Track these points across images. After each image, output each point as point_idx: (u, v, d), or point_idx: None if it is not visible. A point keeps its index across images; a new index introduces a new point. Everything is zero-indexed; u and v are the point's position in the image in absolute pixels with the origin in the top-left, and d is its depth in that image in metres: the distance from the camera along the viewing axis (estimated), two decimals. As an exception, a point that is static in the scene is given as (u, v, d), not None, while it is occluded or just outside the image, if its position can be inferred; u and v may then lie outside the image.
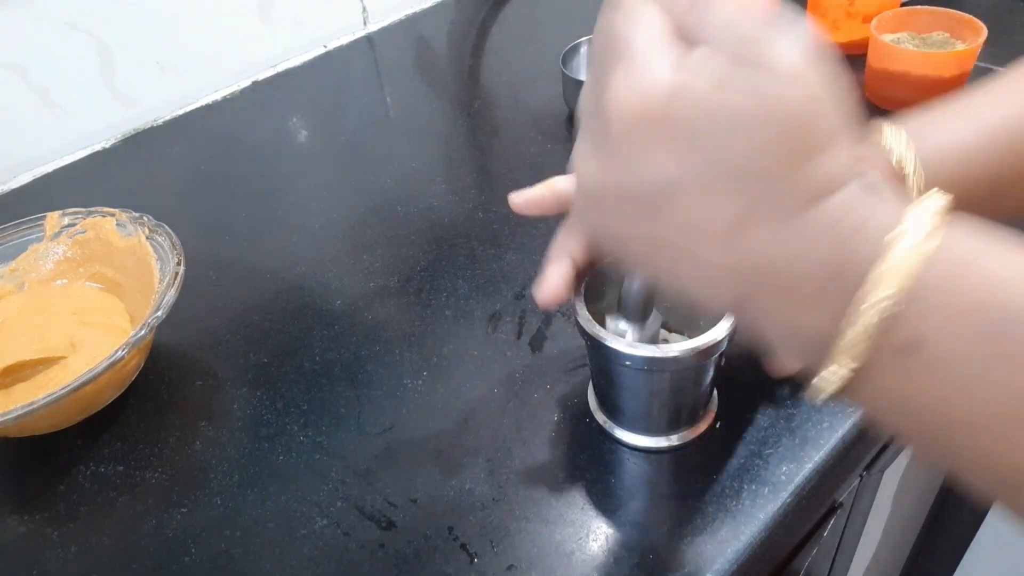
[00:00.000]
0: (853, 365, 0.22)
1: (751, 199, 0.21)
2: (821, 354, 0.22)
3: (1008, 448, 0.20)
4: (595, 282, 0.40)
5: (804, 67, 0.21)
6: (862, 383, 0.22)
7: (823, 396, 0.23)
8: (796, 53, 0.21)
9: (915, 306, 0.20)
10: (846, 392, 0.23)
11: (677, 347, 0.36)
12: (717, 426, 0.43)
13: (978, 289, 0.20)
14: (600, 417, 0.43)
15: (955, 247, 0.21)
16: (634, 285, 0.36)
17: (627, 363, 0.37)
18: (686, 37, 0.22)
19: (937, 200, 0.21)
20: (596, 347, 0.38)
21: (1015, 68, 0.38)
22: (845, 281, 0.21)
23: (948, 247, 0.21)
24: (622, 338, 0.37)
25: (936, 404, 0.21)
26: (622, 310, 0.37)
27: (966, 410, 0.21)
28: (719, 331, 0.36)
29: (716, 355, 0.37)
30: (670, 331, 0.45)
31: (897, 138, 0.35)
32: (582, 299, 0.39)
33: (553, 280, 0.34)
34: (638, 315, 0.37)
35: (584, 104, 0.25)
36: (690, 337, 0.39)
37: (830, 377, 0.22)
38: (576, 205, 0.26)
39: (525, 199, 0.36)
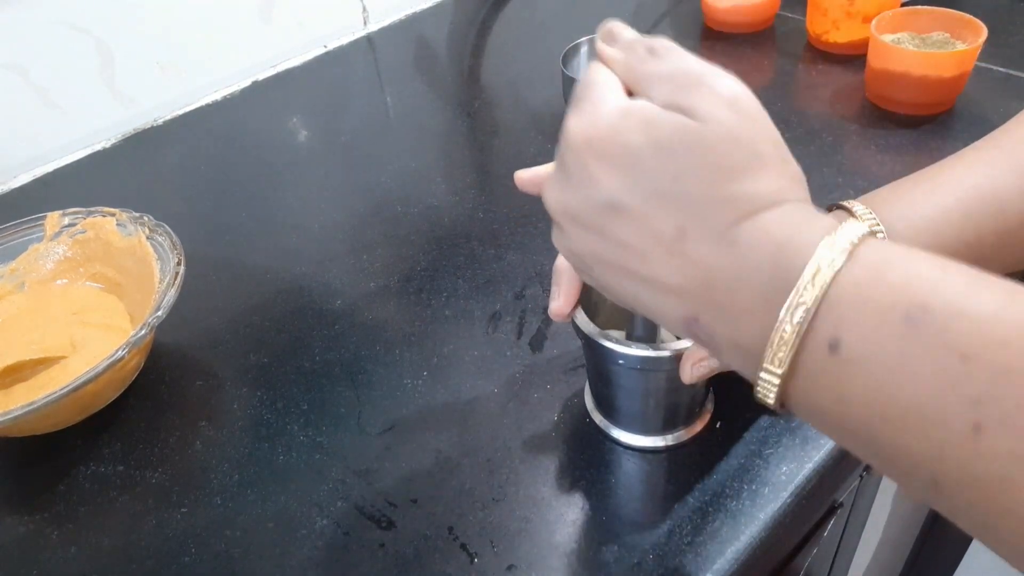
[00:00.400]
0: (780, 371, 0.23)
1: (684, 217, 0.25)
2: (757, 365, 0.24)
3: (926, 443, 0.21)
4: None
5: (722, 108, 0.25)
6: (793, 389, 0.24)
7: (767, 404, 0.25)
8: (715, 99, 0.25)
9: (832, 309, 0.22)
10: (783, 400, 0.25)
11: (672, 347, 0.36)
12: (717, 425, 0.43)
13: (892, 289, 0.22)
14: (597, 417, 0.43)
15: (872, 254, 0.23)
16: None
17: (621, 363, 0.37)
18: (634, 91, 0.27)
19: (860, 225, 0.23)
20: (591, 347, 0.38)
21: (985, 140, 0.38)
22: (775, 292, 0.23)
23: (865, 254, 0.23)
24: (616, 338, 0.37)
25: (859, 403, 0.22)
26: (631, 333, 0.38)
27: (885, 406, 0.21)
28: None
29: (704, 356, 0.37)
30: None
31: (866, 215, 0.37)
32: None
33: (565, 296, 0.37)
34: (650, 336, 0.37)
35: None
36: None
37: (765, 386, 0.24)
38: (552, 229, 0.30)
39: (530, 175, 0.37)
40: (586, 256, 0.28)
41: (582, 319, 0.38)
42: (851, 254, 0.22)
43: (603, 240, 0.27)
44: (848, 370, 0.22)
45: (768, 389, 0.24)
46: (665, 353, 0.36)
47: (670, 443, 0.42)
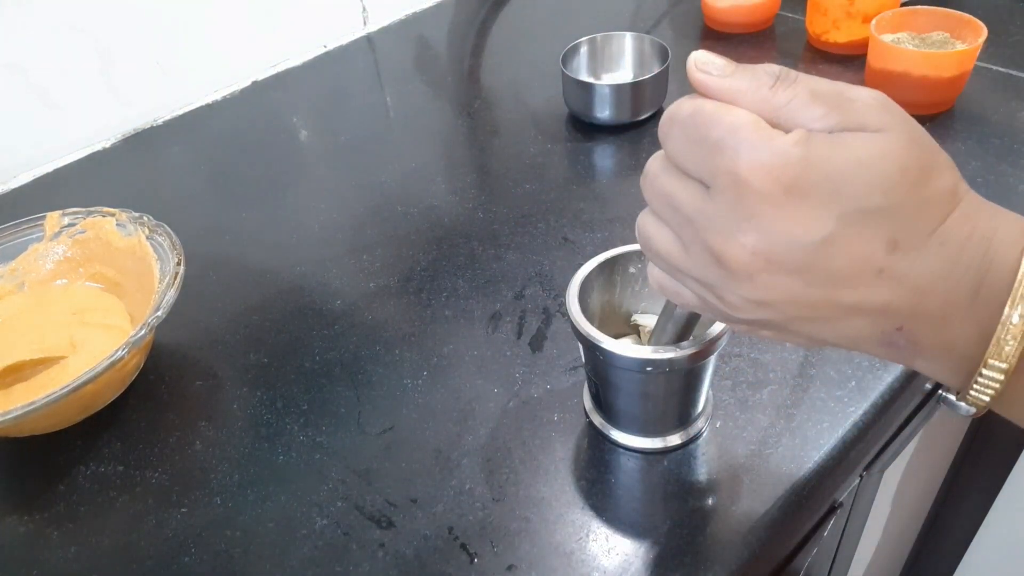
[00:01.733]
0: (1007, 365, 0.23)
1: (894, 228, 0.24)
2: (973, 366, 0.24)
3: None
4: (588, 284, 0.40)
5: (886, 115, 0.24)
6: (1019, 383, 0.24)
7: (979, 404, 0.25)
8: (875, 109, 0.24)
9: None
10: (1001, 396, 0.24)
11: (671, 349, 0.35)
12: (718, 425, 0.43)
13: None
14: (597, 419, 0.43)
15: None
16: (672, 322, 0.35)
17: (620, 365, 0.37)
18: (775, 122, 0.25)
19: None
20: (591, 348, 0.38)
21: None
22: (991, 287, 0.23)
23: None
24: (615, 340, 0.37)
25: None
26: (657, 338, 0.37)
27: None
28: (712, 332, 0.36)
29: (710, 357, 0.37)
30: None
31: None
32: (576, 300, 0.39)
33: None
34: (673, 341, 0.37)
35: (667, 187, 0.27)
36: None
37: (986, 384, 0.24)
38: (716, 291, 0.27)
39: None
40: (784, 304, 0.26)
41: (581, 321, 0.38)
42: None
43: (809, 280, 0.25)
44: None
45: (988, 388, 0.24)
46: (666, 356, 0.35)
47: (670, 444, 0.42)
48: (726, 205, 0.25)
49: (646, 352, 0.36)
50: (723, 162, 0.24)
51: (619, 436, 0.42)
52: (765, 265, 0.25)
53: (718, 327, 0.36)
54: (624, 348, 0.36)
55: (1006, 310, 0.23)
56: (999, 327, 0.23)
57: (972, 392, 0.25)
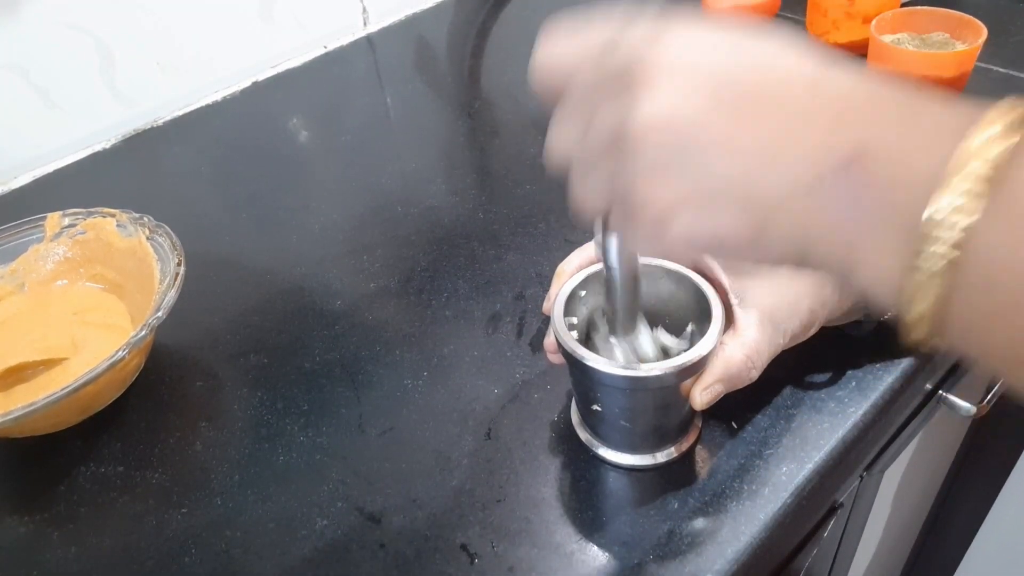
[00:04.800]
0: (981, 173, 0.18)
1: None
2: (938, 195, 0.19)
3: None
4: (572, 301, 0.39)
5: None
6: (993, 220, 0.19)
7: (917, 320, 0.20)
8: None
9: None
10: (965, 246, 0.19)
11: (659, 366, 0.35)
12: (717, 427, 0.43)
13: None
14: (583, 435, 0.42)
15: None
16: (616, 293, 0.35)
17: (607, 382, 0.36)
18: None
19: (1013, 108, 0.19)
20: (573, 363, 0.37)
21: None
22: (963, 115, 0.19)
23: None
24: (601, 356, 0.36)
25: None
26: (609, 325, 0.37)
27: None
28: (702, 348, 0.35)
29: (698, 374, 0.36)
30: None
31: None
32: (561, 315, 0.38)
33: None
34: (628, 325, 0.36)
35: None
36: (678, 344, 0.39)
37: (952, 219, 0.19)
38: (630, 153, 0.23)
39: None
40: (702, 117, 0.22)
41: (564, 334, 0.37)
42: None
43: (730, 70, 0.22)
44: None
45: (961, 213, 0.18)
46: (652, 372, 0.35)
47: (671, 456, 0.41)
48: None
49: (638, 370, 0.35)
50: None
51: (607, 453, 0.42)
52: (675, 60, 0.22)
53: (707, 343, 0.35)
54: (609, 365, 0.35)
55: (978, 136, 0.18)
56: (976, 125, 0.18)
57: (931, 236, 0.19)
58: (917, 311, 0.20)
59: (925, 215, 0.19)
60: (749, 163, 0.22)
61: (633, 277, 0.34)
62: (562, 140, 0.26)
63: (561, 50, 0.27)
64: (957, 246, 0.18)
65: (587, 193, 0.26)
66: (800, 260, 0.22)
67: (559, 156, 0.27)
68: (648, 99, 0.22)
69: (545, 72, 0.27)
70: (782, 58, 0.22)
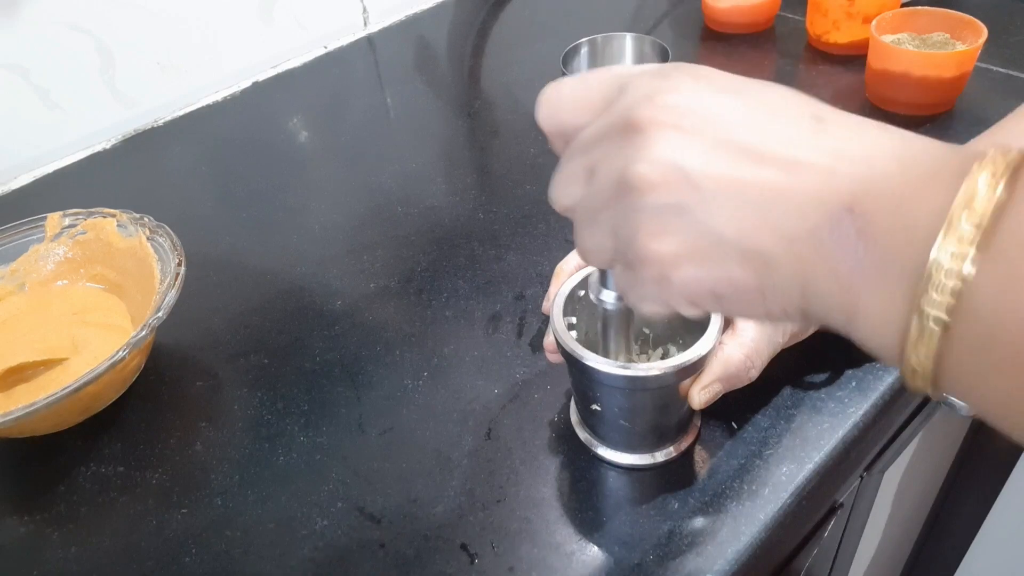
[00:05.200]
0: (977, 221, 0.18)
1: (816, 108, 0.23)
2: (939, 240, 0.19)
3: None
4: (572, 301, 0.39)
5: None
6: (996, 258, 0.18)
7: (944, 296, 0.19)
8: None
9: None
10: (971, 281, 0.19)
11: (657, 365, 0.35)
12: (717, 427, 0.43)
13: None
14: (583, 434, 0.43)
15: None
16: (610, 330, 0.35)
17: (606, 381, 0.36)
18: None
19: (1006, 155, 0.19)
20: (572, 363, 0.37)
21: None
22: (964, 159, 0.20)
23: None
24: (599, 356, 0.36)
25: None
26: (604, 338, 0.37)
27: None
28: (701, 348, 0.35)
29: (697, 373, 0.36)
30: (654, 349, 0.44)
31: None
32: (560, 314, 0.38)
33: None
34: (621, 336, 0.36)
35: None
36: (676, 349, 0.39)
37: (954, 262, 0.18)
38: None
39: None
40: (700, 158, 0.23)
41: (565, 336, 0.37)
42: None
43: (731, 122, 0.23)
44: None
45: (957, 263, 0.18)
46: (653, 372, 0.35)
47: (670, 456, 0.41)
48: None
49: (637, 370, 0.35)
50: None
51: (606, 452, 0.42)
52: (675, 113, 0.23)
53: (705, 344, 0.35)
54: (608, 364, 0.35)
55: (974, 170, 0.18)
56: (968, 177, 0.19)
57: (938, 279, 0.19)
58: (915, 361, 0.20)
59: (922, 264, 0.19)
60: (747, 213, 0.22)
61: (626, 317, 0.35)
62: (567, 188, 0.27)
63: (568, 93, 0.27)
64: (955, 295, 0.18)
65: (591, 246, 0.27)
66: (803, 312, 0.23)
67: (563, 205, 0.27)
68: (648, 150, 0.23)
69: (551, 114, 0.28)
70: (781, 110, 0.23)
